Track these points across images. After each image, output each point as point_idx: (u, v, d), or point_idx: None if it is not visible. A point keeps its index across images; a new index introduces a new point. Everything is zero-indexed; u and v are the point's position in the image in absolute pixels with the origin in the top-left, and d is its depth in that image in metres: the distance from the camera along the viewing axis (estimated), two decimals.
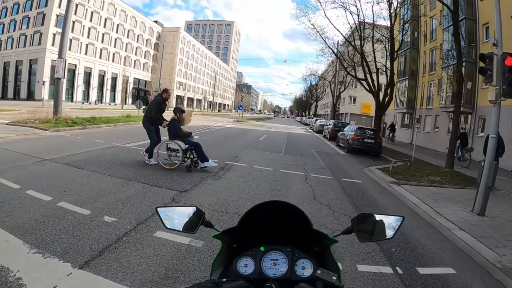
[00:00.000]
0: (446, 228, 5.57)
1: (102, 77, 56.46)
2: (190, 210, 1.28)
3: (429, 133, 25.17)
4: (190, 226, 1.25)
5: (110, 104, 53.58)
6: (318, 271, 0.97)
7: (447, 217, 6.05)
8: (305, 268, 1.15)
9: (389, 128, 26.97)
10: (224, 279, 0.97)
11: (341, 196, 6.98)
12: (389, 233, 1.18)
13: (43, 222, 3.90)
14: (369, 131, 16.63)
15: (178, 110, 7.92)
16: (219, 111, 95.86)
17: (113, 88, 58.82)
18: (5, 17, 55.71)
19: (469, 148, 15.01)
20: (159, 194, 5.54)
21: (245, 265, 1.17)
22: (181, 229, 1.25)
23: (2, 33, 55.65)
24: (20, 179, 5.61)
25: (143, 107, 19.75)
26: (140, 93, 64.38)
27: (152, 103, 8.20)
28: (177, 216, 1.28)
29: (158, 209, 1.27)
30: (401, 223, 1.18)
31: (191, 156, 7.57)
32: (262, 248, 1.19)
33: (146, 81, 68.06)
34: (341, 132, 19.90)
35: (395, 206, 6.98)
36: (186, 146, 7.40)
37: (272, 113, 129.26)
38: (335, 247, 3.98)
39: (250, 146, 14.11)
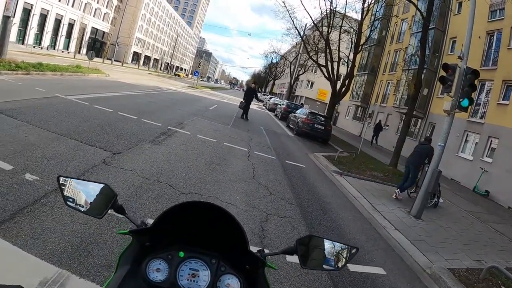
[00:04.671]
0: (382, 226, 5.72)
1: (58, 22, 50.46)
2: (100, 188, 1.04)
3: None
4: (97, 208, 1.02)
5: (63, 52, 48.56)
6: None
7: (384, 215, 6.23)
8: (229, 286, 0.94)
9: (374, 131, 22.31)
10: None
11: (281, 179, 6.89)
12: (338, 263, 1.02)
13: None
14: (320, 117, 16.88)
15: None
16: (175, 74, 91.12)
17: (69, 35, 53.15)
18: None
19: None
20: (90, 154, 5.05)
21: (158, 270, 0.94)
22: (85, 210, 1.03)
23: None
24: None
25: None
26: (96, 44, 59.54)
27: (429, 152, 8.05)
28: (84, 191, 1.03)
29: (61, 178, 1.01)
30: (354, 255, 1.02)
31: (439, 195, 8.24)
32: (181, 254, 0.96)
33: (104, 32, 62.24)
34: (293, 113, 19.98)
35: (334, 196, 7.04)
36: (439, 188, 8.04)
37: (229, 84, 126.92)
38: None
39: (198, 115, 13.58)
